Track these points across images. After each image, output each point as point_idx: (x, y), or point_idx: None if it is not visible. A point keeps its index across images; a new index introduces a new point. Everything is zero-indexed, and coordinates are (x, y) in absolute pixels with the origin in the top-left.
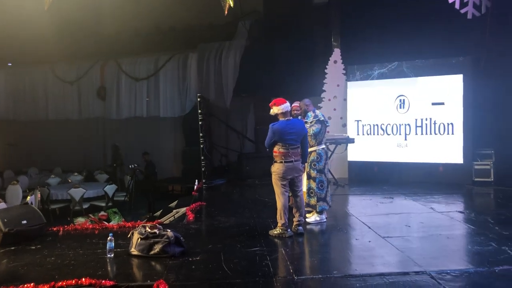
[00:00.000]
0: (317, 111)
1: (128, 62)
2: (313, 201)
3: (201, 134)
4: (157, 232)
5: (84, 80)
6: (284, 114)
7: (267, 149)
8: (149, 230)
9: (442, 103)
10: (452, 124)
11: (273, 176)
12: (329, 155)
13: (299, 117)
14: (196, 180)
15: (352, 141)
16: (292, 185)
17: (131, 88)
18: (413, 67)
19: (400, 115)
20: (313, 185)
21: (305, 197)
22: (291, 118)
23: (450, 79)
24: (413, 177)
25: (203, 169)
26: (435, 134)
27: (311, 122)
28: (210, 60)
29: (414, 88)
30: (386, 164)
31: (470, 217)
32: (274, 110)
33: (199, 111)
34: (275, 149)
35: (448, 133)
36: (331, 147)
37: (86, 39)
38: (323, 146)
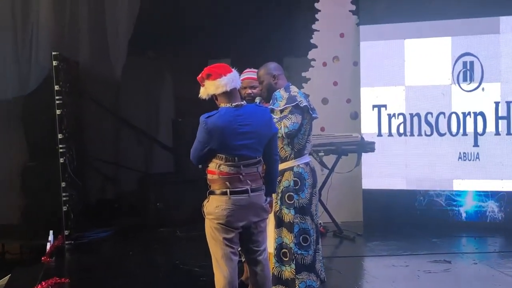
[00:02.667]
0: (293, 88)
1: None
2: (287, 271)
3: (60, 136)
4: None
5: None
6: (228, 94)
7: (198, 166)
8: None
9: None
10: None
11: (207, 223)
12: (319, 179)
13: (260, 102)
14: (51, 232)
15: (370, 147)
16: (247, 240)
17: None
18: None
19: (464, 95)
20: (288, 238)
21: (271, 263)
22: (243, 103)
23: None
24: (491, 221)
25: (65, 207)
26: None
27: (281, 111)
28: None
29: (493, 40)
30: (436, 195)
31: None
32: (209, 88)
33: (57, 87)
34: (212, 167)
35: None
36: (328, 159)
37: None
38: (307, 159)
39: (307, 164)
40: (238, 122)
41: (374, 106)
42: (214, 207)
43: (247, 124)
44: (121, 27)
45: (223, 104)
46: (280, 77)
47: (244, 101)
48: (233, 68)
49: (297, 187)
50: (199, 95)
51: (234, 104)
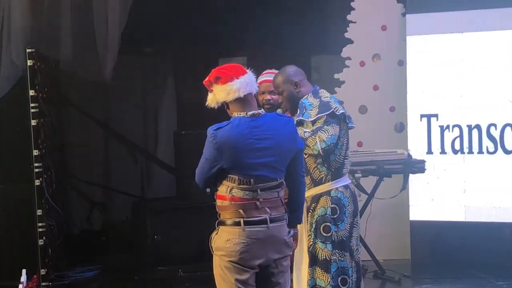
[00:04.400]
0: (324, 93)
1: None
2: None
3: (36, 152)
4: None
5: None
6: (242, 101)
7: (206, 190)
8: None
9: None
10: None
11: (216, 261)
12: (359, 203)
13: (282, 110)
14: (24, 271)
15: (418, 167)
16: (265, 282)
17: None
18: None
19: None
20: (324, 280)
21: None
22: (261, 112)
23: None
24: None
25: (41, 241)
26: None
27: (314, 122)
28: None
29: None
30: (502, 227)
31: None
32: (218, 94)
33: (32, 92)
34: (222, 191)
35: None
36: (367, 182)
37: None
38: (347, 181)
39: (346, 187)
40: (255, 136)
41: (422, 116)
42: (225, 241)
43: (266, 138)
44: (112, 17)
45: (236, 113)
46: (302, 83)
47: (262, 110)
48: (248, 69)
49: (335, 216)
50: (206, 103)
51: (249, 113)
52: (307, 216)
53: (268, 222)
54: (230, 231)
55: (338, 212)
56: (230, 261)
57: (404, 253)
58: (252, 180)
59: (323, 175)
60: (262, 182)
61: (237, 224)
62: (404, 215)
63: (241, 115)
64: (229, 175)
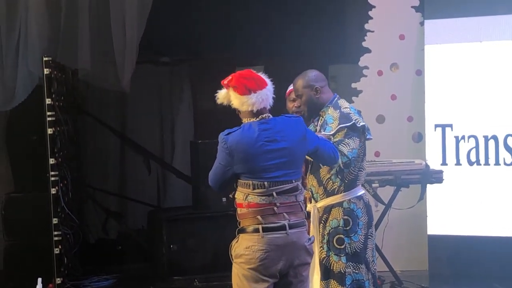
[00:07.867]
0: (343, 102)
1: None
2: None
3: (52, 161)
4: None
5: None
6: (254, 113)
7: (223, 200)
8: None
9: None
10: None
11: (234, 269)
12: (377, 214)
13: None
14: (40, 280)
15: (436, 178)
16: None
17: None
18: None
19: None
20: None
21: None
22: (270, 115)
23: None
24: None
25: (57, 249)
26: None
27: (333, 134)
28: None
29: None
30: None
31: None
32: (232, 99)
33: (48, 100)
34: (239, 198)
35: None
36: (384, 192)
37: None
38: (360, 192)
39: (360, 198)
40: (265, 138)
41: (436, 126)
42: (244, 248)
43: (277, 140)
44: (130, 26)
45: (246, 120)
46: (323, 89)
47: (270, 114)
48: (263, 74)
49: (348, 228)
50: (216, 98)
51: (260, 117)
52: (319, 227)
53: (287, 228)
54: (249, 239)
55: (351, 224)
56: (250, 268)
57: (422, 264)
58: (266, 183)
59: (336, 186)
60: (277, 184)
61: (256, 231)
62: (421, 225)
63: (252, 120)
64: (244, 181)
